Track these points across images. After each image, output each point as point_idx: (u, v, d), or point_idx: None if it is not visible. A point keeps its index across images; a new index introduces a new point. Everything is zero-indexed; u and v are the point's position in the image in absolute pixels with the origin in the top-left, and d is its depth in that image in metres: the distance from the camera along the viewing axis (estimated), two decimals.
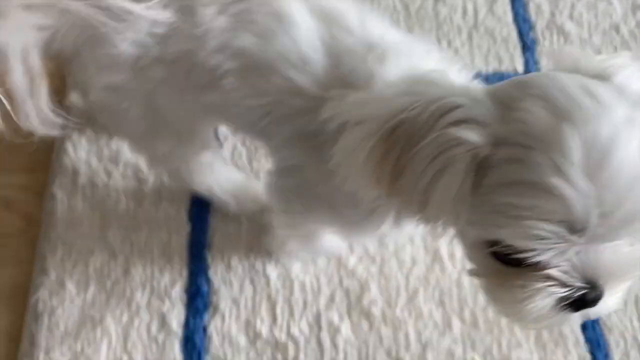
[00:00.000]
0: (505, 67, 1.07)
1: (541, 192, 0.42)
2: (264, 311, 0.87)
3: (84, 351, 0.83)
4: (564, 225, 0.42)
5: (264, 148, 0.79)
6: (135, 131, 0.75)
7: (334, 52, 0.59)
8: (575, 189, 0.41)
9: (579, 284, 0.47)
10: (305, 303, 0.87)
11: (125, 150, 0.97)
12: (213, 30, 0.61)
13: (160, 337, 0.85)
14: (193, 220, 0.92)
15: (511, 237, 0.44)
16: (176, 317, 0.86)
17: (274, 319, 0.86)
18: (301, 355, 0.84)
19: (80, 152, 0.97)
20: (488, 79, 1.05)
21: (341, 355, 0.84)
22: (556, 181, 0.41)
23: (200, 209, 0.93)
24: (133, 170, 0.96)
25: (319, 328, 0.86)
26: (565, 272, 0.47)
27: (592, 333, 0.84)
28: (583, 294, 0.47)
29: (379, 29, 0.61)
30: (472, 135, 0.44)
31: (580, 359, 0.83)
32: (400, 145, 0.47)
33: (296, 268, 0.89)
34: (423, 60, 0.60)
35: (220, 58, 0.62)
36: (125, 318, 0.86)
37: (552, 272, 0.47)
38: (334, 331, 0.86)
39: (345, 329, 0.86)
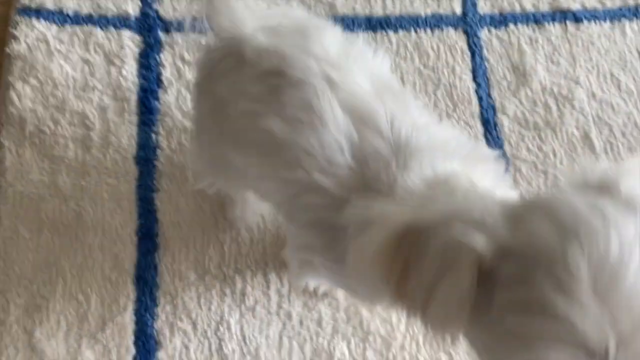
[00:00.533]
0: (444, 8, 1.10)
1: (548, 313, 0.40)
2: (212, 249, 0.92)
3: (40, 291, 0.88)
4: (581, 351, 0.39)
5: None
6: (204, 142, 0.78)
7: (361, 155, 0.60)
8: (583, 310, 0.39)
9: None
10: (252, 241, 0.93)
11: (72, 98, 0.99)
12: (246, 94, 0.64)
13: (114, 276, 0.89)
14: (140, 165, 0.95)
15: None
16: (128, 257, 0.91)
17: (222, 256, 0.91)
18: (248, 288, 0.90)
19: (26, 101, 0.98)
20: (427, 21, 1.09)
21: (286, 287, 0.90)
22: (561, 301, 0.39)
23: (147, 153, 0.96)
24: (79, 118, 0.98)
25: (265, 264, 0.92)
26: None
27: None
28: None
29: (407, 129, 0.61)
30: (478, 240, 0.43)
31: None
32: (411, 245, 0.46)
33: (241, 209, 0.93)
34: (447, 160, 0.59)
35: (246, 123, 0.65)
36: (79, 259, 0.90)
37: None
38: (280, 266, 0.91)
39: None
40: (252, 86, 0.64)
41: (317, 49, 0.63)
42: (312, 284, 0.87)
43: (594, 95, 1.06)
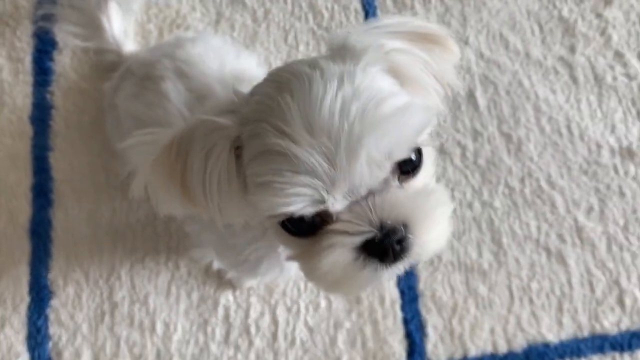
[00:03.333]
0: None
1: (274, 154, 0.47)
2: (104, 205, 0.97)
3: None
4: (310, 175, 0.46)
5: None
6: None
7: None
8: (297, 143, 0.46)
9: (362, 227, 0.49)
10: (142, 198, 0.97)
11: None
12: (127, 96, 0.80)
13: (9, 231, 0.95)
14: (35, 125, 0.99)
15: (272, 203, 0.48)
16: (23, 213, 0.96)
17: (113, 211, 0.97)
18: (138, 242, 0.96)
19: None
20: None
21: (174, 240, 0.97)
22: (281, 142, 0.47)
23: (42, 113, 0.99)
24: None
25: (155, 218, 0.97)
26: (347, 222, 0.50)
27: None
28: (374, 237, 0.49)
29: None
30: (224, 120, 0.51)
31: None
32: (182, 149, 0.52)
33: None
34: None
35: (125, 118, 0.79)
36: None
37: (335, 226, 0.50)
38: (168, 220, 0.97)
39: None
40: (132, 89, 0.80)
41: (179, 53, 0.78)
42: (216, 264, 0.94)
43: (482, 55, 1.10)
